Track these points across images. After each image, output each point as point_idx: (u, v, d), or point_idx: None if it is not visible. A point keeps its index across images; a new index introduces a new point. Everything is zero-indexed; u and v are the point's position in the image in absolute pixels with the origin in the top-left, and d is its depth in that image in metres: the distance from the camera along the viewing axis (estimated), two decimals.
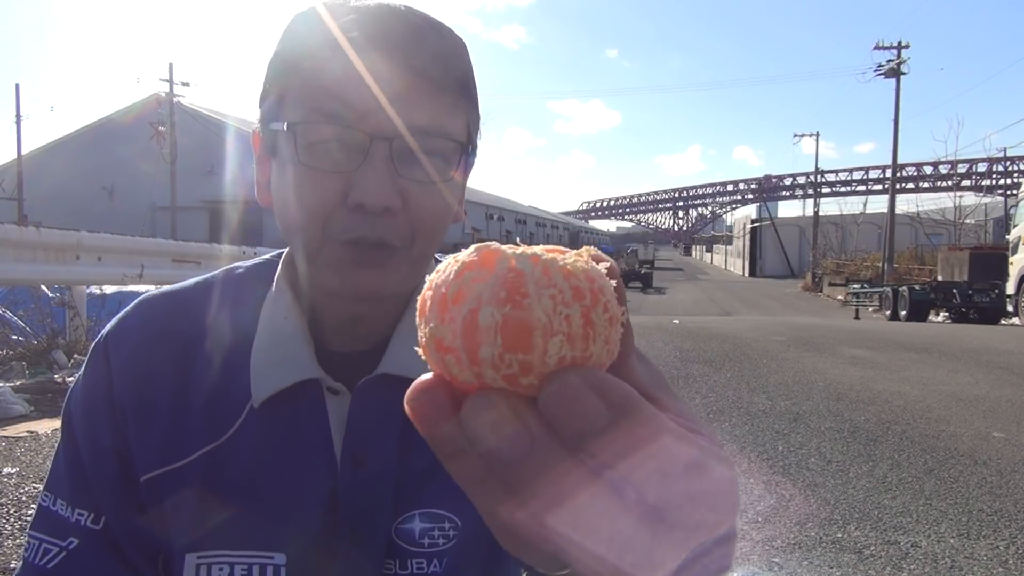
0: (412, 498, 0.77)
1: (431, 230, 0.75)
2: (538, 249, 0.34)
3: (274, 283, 0.84)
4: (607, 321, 0.33)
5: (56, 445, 0.85)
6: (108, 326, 0.85)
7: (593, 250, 0.35)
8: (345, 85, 0.69)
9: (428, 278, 0.35)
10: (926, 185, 52.06)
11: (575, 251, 0.35)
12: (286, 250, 0.85)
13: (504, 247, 0.34)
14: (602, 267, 0.34)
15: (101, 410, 0.80)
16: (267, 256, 0.91)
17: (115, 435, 0.79)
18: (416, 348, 0.35)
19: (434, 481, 0.77)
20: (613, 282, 0.34)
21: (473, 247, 0.34)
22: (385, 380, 0.77)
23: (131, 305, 0.85)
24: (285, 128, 0.71)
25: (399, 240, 0.73)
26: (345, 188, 0.70)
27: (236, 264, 0.91)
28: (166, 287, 0.87)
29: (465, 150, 0.75)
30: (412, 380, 0.79)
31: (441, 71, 0.72)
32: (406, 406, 0.35)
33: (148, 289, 0.88)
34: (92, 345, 0.85)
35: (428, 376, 0.35)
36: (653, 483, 0.30)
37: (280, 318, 0.80)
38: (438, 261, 0.82)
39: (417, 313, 0.35)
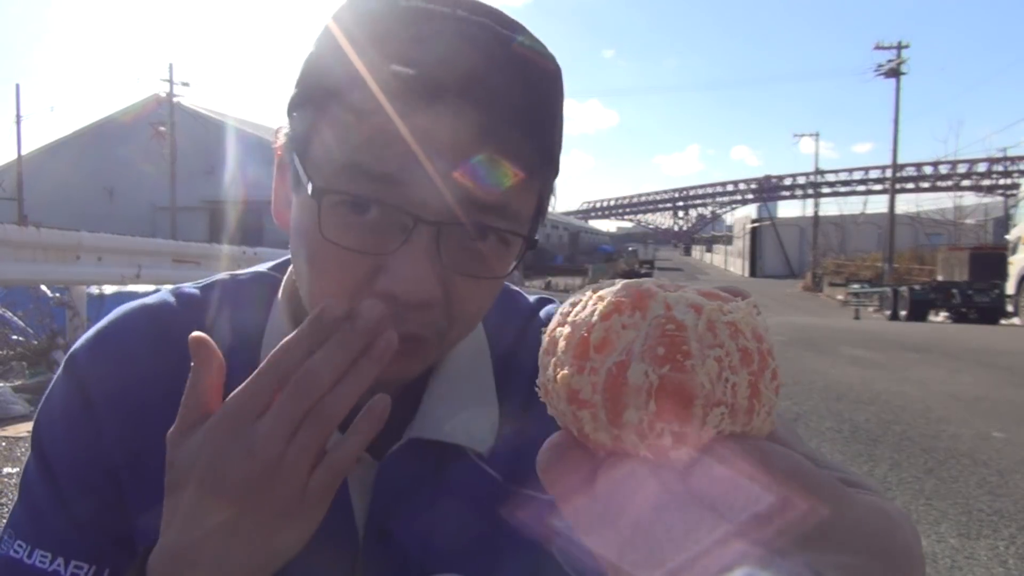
0: (436, 561, 0.69)
1: (471, 319, 0.65)
2: (695, 295, 0.28)
3: (274, 313, 0.73)
4: (773, 390, 0.28)
5: (20, 478, 0.70)
6: (80, 344, 0.72)
7: (752, 300, 0.30)
8: (392, 148, 0.55)
9: (558, 311, 0.30)
10: (926, 185, 52.01)
11: (737, 296, 0.29)
12: (290, 268, 0.73)
13: (656, 287, 0.29)
14: (748, 305, 0.29)
15: (87, 452, 0.67)
16: (262, 269, 0.80)
17: (110, 482, 0.67)
18: (536, 388, 0.30)
19: (462, 546, 0.69)
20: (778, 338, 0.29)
21: (621, 284, 0.29)
22: (414, 444, 0.68)
23: (107, 320, 0.73)
24: (309, 192, 0.59)
25: (431, 332, 0.62)
26: (375, 268, 0.59)
27: (223, 275, 0.78)
28: (141, 300, 0.75)
29: (529, 240, 0.62)
30: (446, 444, 0.70)
31: (519, 141, 0.58)
32: (539, 472, 0.30)
33: (148, 289, 0.80)
34: (61, 366, 0.71)
35: (559, 435, 0.30)
36: (849, 570, 0.26)
37: None
38: None
39: (543, 350, 0.30)
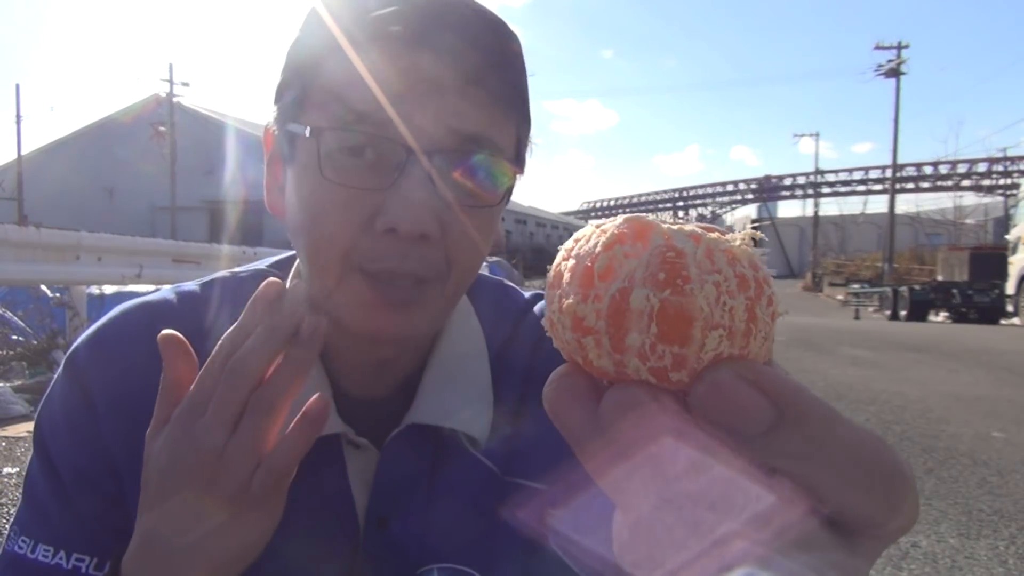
0: (433, 552, 0.70)
1: (469, 261, 0.67)
2: (695, 227, 0.30)
3: None
4: (770, 316, 0.29)
5: (24, 476, 0.71)
6: (81, 342, 0.72)
7: (757, 234, 0.31)
8: (380, 87, 0.60)
9: (562, 248, 0.31)
10: (926, 185, 52.02)
11: (739, 232, 0.30)
12: (296, 262, 0.74)
13: (656, 220, 0.30)
14: (760, 253, 0.30)
15: (89, 449, 0.68)
16: (264, 265, 0.80)
17: (111, 478, 0.68)
18: (542, 323, 0.31)
19: (458, 537, 0.70)
20: (773, 272, 0.30)
21: (623, 217, 0.30)
22: (413, 431, 0.70)
23: (107, 319, 0.74)
24: (308, 134, 0.62)
25: (433, 272, 0.64)
26: (374, 209, 0.61)
27: (224, 273, 0.80)
28: (143, 298, 0.76)
29: (514, 169, 0.67)
30: (443, 430, 0.71)
31: (493, 77, 0.63)
32: (545, 404, 0.31)
33: (147, 289, 0.80)
34: (62, 365, 0.72)
35: (564, 366, 0.31)
36: (841, 488, 0.27)
37: None
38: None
39: (548, 284, 0.31)
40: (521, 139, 0.69)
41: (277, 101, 0.68)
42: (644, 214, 0.30)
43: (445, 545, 0.70)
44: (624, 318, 0.27)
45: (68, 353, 0.73)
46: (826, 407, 0.28)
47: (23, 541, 0.67)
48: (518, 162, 0.69)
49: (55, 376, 0.73)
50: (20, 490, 0.72)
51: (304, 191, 0.64)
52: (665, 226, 0.29)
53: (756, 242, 0.30)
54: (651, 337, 0.27)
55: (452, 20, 0.62)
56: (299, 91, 0.65)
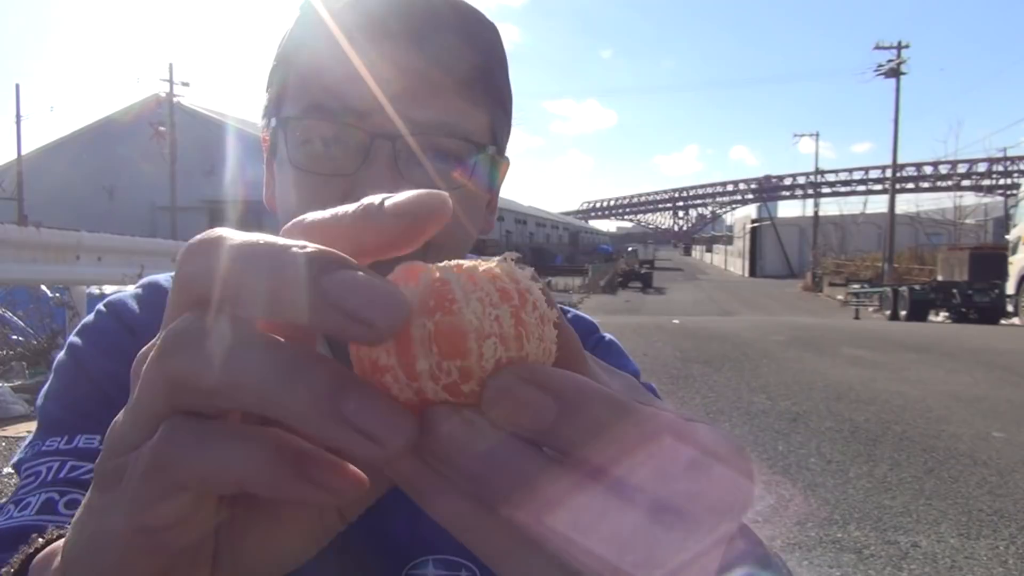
0: (426, 543, 0.70)
1: (446, 239, 0.66)
2: (460, 263, 0.33)
3: None
4: (538, 319, 0.32)
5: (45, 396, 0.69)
6: (114, 295, 0.75)
7: (514, 254, 0.34)
8: (343, 77, 0.62)
9: None
10: (926, 185, 52.06)
11: (496, 258, 0.34)
12: None
13: (425, 263, 0.33)
14: (505, 260, 0.33)
15: (128, 363, 0.65)
16: None
17: None
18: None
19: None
20: (539, 284, 0.33)
21: (398, 266, 0.33)
22: None
23: (143, 282, 0.78)
24: (274, 124, 0.66)
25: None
26: (342, 194, 0.64)
27: None
28: (168, 274, 0.78)
29: (482, 152, 0.68)
30: None
31: (458, 63, 0.65)
32: None
33: None
34: (96, 309, 0.75)
35: None
36: (647, 474, 0.28)
37: None
38: None
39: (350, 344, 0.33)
40: (496, 124, 0.70)
41: (267, 89, 0.72)
42: (415, 260, 0.33)
43: (440, 536, 0.69)
44: (409, 348, 0.30)
45: (102, 303, 0.74)
46: (608, 396, 0.29)
47: (53, 439, 0.63)
48: (494, 147, 0.70)
49: (85, 318, 0.74)
50: None
51: (281, 181, 0.68)
52: (432, 266, 0.32)
53: (519, 264, 0.34)
54: (435, 357, 0.30)
55: (418, 6, 0.64)
56: (277, 92, 0.68)
